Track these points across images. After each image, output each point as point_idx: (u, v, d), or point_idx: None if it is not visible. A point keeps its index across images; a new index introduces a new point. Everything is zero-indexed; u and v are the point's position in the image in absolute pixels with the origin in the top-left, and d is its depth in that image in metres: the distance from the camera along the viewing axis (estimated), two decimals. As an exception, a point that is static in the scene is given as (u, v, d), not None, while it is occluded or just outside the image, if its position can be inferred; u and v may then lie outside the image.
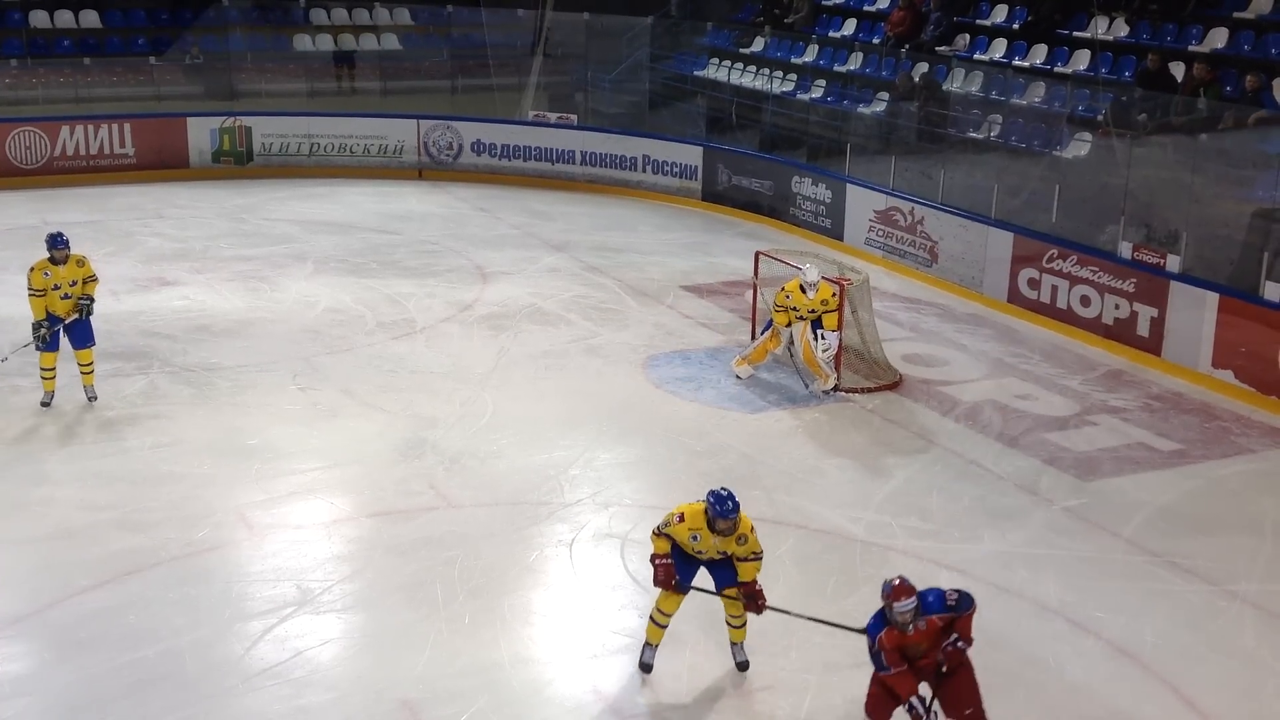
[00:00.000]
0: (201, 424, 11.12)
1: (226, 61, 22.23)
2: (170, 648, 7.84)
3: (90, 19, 22.16)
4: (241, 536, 9.21)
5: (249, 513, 9.52)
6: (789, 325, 11.97)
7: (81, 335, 11.28)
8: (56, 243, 11.07)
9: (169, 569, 8.75)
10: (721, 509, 7.23)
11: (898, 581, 6.50)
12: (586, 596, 8.59)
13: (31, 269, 11.06)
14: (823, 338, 11.89)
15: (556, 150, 20.75)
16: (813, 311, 11.87)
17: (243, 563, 8.93)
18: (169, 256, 16.18)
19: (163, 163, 20.35)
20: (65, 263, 11.08)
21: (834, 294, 11.90)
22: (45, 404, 11.20)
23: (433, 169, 21.08)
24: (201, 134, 20.55)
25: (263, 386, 11.96)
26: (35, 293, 11.02)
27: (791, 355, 12.09)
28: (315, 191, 19.81)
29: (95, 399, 11.34)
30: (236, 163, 20.71)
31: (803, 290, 11.79)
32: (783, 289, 12.00)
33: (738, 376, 12.22)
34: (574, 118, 21.19)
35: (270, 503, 9.71)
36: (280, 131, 20.85)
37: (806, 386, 12.01)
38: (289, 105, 21.59)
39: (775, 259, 13.13)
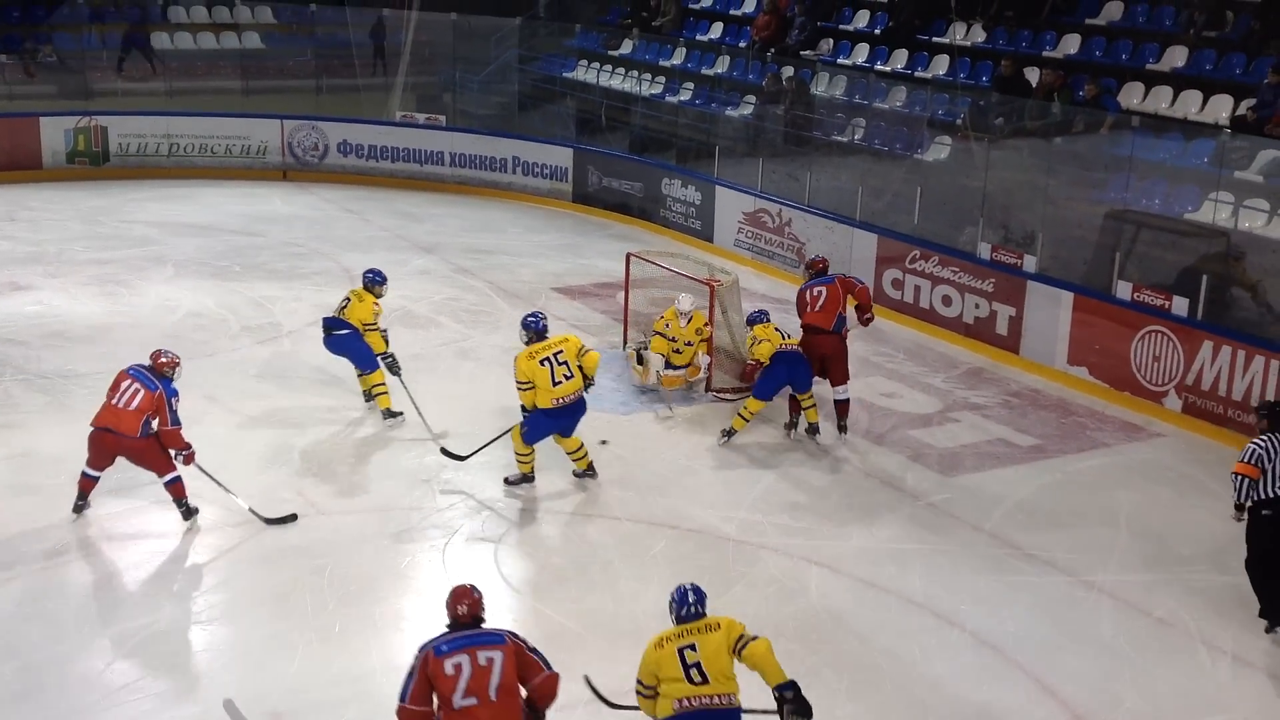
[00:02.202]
0: (57, 433, 10.77)
1: (81, 60, 21.60)
2: (28, 663, 7.60)
3: (-64, 16, 21.40)
4: (102, 548, 8.96)
5: (109, 523, 9.26)
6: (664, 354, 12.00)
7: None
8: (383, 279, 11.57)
9: (26, 583, 8.49)
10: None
11: None
12: (459, 601, 8.52)
13: (374, 305, 11.27)
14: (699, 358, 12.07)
15: (425, 151, 20.58)
16: (689, 344, 11.96)
17: (104, 575, 8.68)
18: (21, 260, 15.66)
19: (14, 164, 19.66)
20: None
21: (706, 324, 12.04)
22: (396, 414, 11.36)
23: (298, 170, 20.74)
24: (55, 134, 19.92)
25: (122, 394, 11.63)
26: (374, 327, 11.29)
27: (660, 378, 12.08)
28: (175, 193, 19.34)
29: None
30: (92, 163, 20.13)
31: (679, 317, 11.92)
32: (661, 317, 12.12)
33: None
34: (442, 119, 21.03)
35: (131, 513, 9.46)
36: (138, 131, 20.31)
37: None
38: (147, 104, 21.04)
39: (646, 261, 13.19)
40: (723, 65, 19.79)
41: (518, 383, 9.72)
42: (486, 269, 16.09)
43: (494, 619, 8.18)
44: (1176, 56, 15.14)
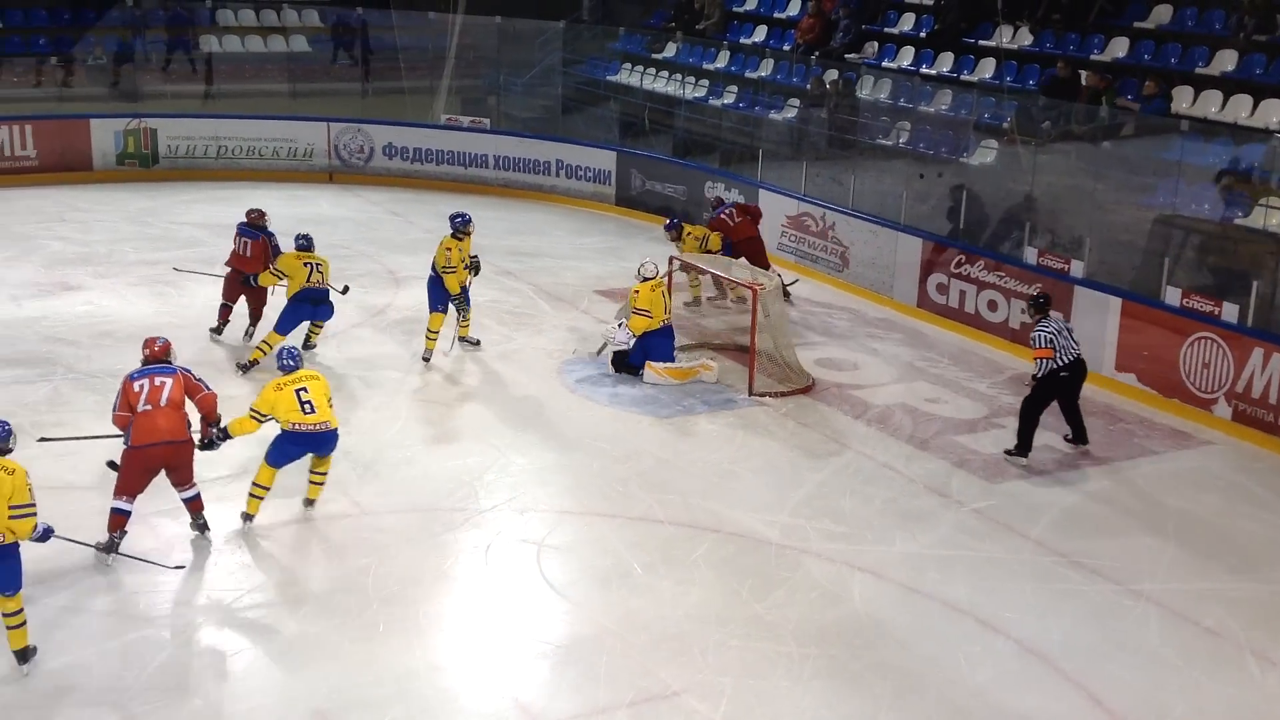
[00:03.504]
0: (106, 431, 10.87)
1: (131, 63, 21.84)
2: (76, 660, 7.68)
3: (-11, 19, 21.68)
4: (149, 546, 9.03)
5: (155, 521, 9.33)
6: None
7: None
8: (468, 222, 12.77)
9: (73, 580, 8.57)
10: None
11: None
12: (503, 603, 8.55)
13: (445, 251, 12.57)
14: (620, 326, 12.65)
15: (469, 154, 20.66)
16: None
17: (149, 575, 8.75)
18: (72, 261, 15.84)
19: (65, 165, 19.93)
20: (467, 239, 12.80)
21: (637, 292, 12.45)
22: (426, 359, 12.70)
23: (344, 172, 20.88)
24: (105, 136, 20.16)
25: (170, 393, 11.73)
26: (449, 269, 12.55)
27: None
28: (222, 194, 19.45)
29: (478, 343, 13.22)
30: (141, 165, 20.35)
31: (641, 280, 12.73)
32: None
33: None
34: (486, 121, 21.11)
35: (178, 511, 9.49)
36: (186, 134, 20.52)
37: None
38: (195, 107, 21.24)
39: (689, 263, 13.19)
40: (766, 68, 19.76)
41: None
42: (530, 271, 16.13)
43: (536, 621, 8.25)
44: (1226, 60, 14.97)
